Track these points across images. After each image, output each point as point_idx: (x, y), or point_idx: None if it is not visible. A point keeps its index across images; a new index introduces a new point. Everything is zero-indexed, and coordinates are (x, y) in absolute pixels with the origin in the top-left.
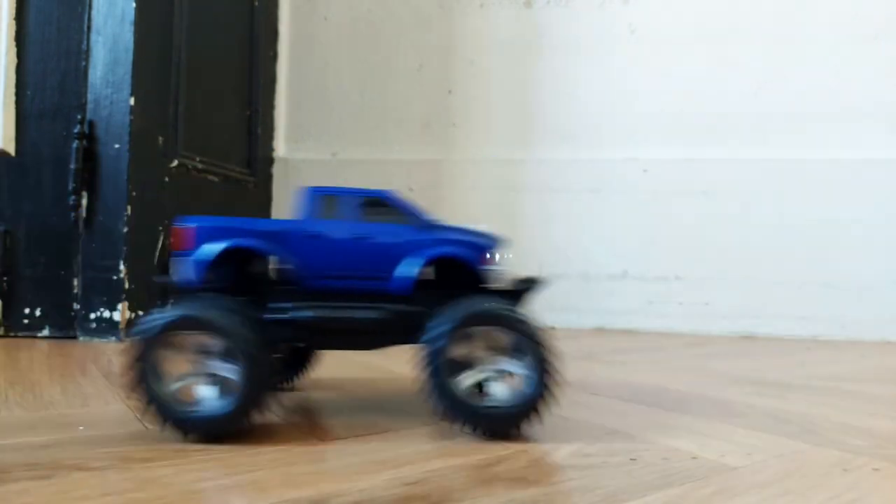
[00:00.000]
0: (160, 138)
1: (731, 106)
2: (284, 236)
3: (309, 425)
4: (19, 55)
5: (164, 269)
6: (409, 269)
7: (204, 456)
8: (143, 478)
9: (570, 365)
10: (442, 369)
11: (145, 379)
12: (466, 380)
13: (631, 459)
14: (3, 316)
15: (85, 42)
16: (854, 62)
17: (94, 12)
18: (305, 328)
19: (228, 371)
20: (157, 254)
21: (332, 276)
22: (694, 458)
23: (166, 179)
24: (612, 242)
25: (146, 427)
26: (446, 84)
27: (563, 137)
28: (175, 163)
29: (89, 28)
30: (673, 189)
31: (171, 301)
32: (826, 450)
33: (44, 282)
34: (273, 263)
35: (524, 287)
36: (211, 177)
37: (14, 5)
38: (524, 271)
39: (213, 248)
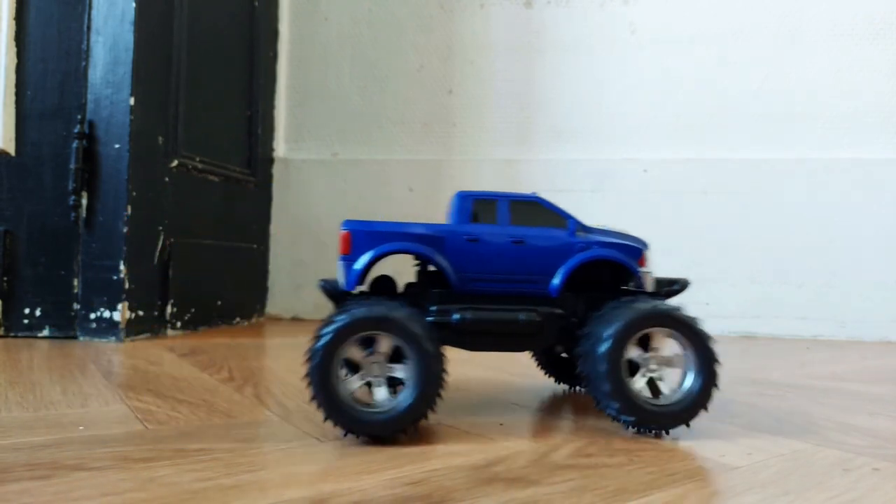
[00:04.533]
0: (160, 138)
1: (731, 106)
2: (441, 240)
3: (309, 425)
4: (19, 55)
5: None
6: (562, 272)
7: (204, 456)
8: (143, 478)
9: None
10: (617, 369)
11: (327, 379)
12: (637, 380)
13: (631, 459)
14: (3, 316)
15: (85, 42)
16: (854, 62)
17: (94, 12)
18: (463, 330)
19: (400, 371)
20: (157, 254)
21: (488, 279)
22: (694, 458)
23: (166, 179)
24: None
25: (146, 427)
26: (446, 84)
27: (563, 137)
28: (175, 163)
29: (89, 28)
30: (673, 189)
31: (340, 305)
32: (826, 450)
33: (44, 282)
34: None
35: (672, 289)
36: (211, 177)
37: (14, 5)
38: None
39: (369, 255)
